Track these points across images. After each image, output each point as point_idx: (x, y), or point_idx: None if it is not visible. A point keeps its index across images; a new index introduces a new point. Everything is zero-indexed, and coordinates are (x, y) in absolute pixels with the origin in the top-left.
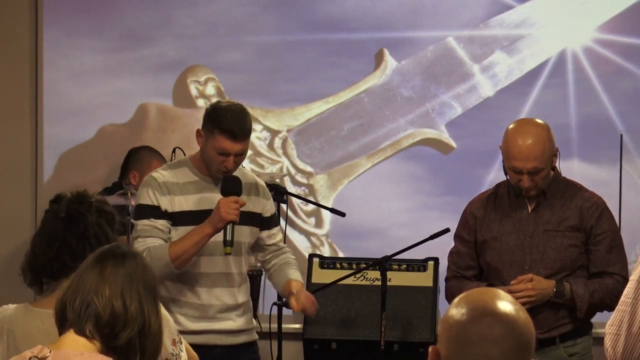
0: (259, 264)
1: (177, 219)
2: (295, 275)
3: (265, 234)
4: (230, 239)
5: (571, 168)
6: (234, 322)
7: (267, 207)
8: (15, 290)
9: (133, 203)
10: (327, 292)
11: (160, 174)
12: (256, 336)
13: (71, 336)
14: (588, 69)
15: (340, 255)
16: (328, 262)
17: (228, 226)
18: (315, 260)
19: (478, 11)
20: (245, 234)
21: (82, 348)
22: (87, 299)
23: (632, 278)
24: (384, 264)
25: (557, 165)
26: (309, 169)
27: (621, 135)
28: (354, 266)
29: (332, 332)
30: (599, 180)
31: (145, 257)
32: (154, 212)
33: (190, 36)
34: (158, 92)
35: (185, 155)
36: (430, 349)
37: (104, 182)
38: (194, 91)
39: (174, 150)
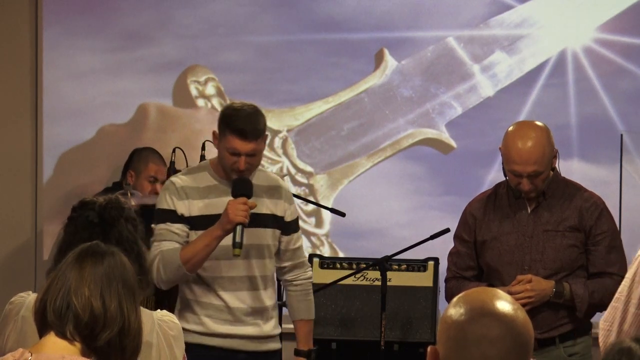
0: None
1: (196, 223)
2: (302, 315)
3: (284, 239)
4: (239, 240)
5: (571, 168)
6: (260, 327)
7: (288, 211)
8: (16, 291)
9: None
10: (327, 292)
11: (180, 179)
12: (280, 345)
13: (52, 339)
14: (588, 69)
15: (341, 255)
16: (328, 262)
17: (238, 228)
18: (316, 260)
19: (478, 11)
20: (267, 237)
21: (63, 351)
22: (67, 300)
23: (627, 275)
24: (384, 264)
25: (556, 165)
26: (309, 168)
27: (621, 135)
28: (354, 266)
29: (332, 332)
30: (599, 180)
31: (157, 261)
32: (171, 216)
33: (190, 36)
34: (158, 92)
35: (185, 155)
36: (428, 349)
37: (105, 182)
38: (194, 91)
39: (173, 150)
